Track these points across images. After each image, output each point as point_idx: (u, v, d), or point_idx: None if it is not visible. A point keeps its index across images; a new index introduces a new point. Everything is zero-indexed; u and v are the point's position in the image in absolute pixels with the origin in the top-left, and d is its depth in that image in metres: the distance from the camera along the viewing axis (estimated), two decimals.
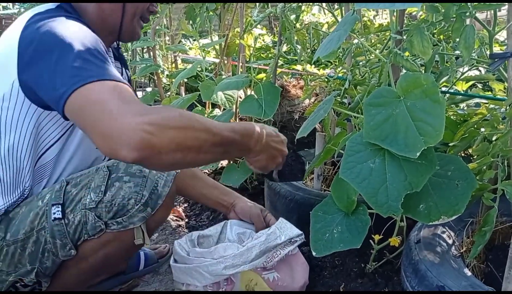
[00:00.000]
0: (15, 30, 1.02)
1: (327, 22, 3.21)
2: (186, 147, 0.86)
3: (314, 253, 1.09)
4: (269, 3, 2.50)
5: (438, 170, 0.92)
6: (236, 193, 1.49)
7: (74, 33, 0.96)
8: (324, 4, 1.99)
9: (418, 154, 0.80)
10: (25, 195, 1.15)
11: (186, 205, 2.11)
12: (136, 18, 1.21)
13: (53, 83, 0.91)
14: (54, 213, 1.09)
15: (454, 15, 1.00)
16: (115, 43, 1.30)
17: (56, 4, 1.09)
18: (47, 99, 0.96)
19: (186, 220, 1.98)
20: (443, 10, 1.03)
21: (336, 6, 1.81)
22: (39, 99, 1.01)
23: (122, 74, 1.32)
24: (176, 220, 1.95)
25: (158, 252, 1.58)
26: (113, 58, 1.27)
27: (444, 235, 1.13)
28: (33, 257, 1.12)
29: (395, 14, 1.10)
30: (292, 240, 1.26)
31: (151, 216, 1.13)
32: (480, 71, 1.63)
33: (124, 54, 3.38)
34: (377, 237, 1.24)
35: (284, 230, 1.26)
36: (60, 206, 1.09)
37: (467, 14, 0.98)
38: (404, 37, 1.10)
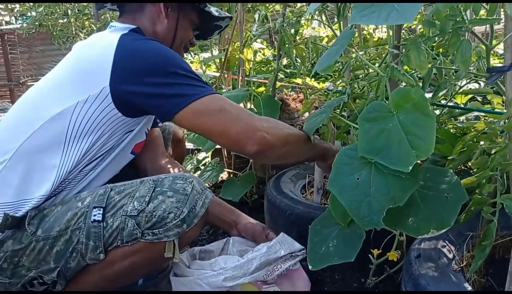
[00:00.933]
0: (106, 45, 1.17)
1: (327, 36, 3.23)
2: (289, 142, 1.22)
3: (310, 267, 1.08)
4: (269, 18, 2.52)
5: (428, 183, 0.92)
6: (238, 211, 1.51)
7: (169, 53, 1.18)
8: (323, 18, 2.01)
9: (410, 168, 0.80)
10: (58, 191, 1.20)
11: None
12: (182, 47, 1.42)
13: (165, 94, 1.12)
14: (95, 215, 1.12)
15: (451, 30, 1.00)
16: None
17: (129, 27, 1.28)
18: (151, 106, 1.15)
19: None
20: (439, 24, 1.03)
21: (335, 20, 1.82)
22: (130, 106, 1.17)
23: None
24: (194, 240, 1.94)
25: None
26: None
27: (444, 250, 1.12)
28: (60, 255, 1.13)
29: (392, 28, 1.11)
30: (294, 255, 1.25)
31: (184, 233, 1.15)
32: (479, 84, 1.64)
33: None
34: (376, 252, 1.23)
35: (285, 244, 1.26)
36: (102, 209, 1.13)
37: (464, 28, 0.98)
38: (403, 52, 1.11)
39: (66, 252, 1.13)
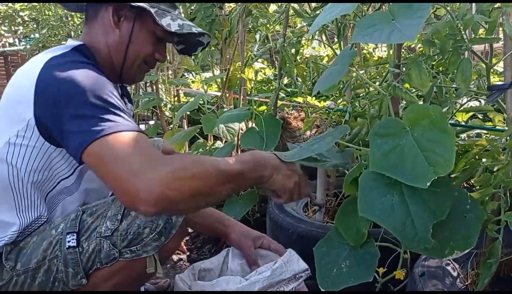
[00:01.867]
0: (31, 71, 1.05)
1: (327, 55, 3.26)
2: (200, 193, 0.96)
3: (322, 289, 1.06)
4: (270, 38, 2.55)
5: None
6: (228, 219, 1.50)
7: (91, 81, 1.01)
8: (323, 38, 2.03)
9: (428, 184, 0.79)
10: (42, 222, 1.16)
11: (187, 238, 2.10)
12: (138, 62, 1.25)
13: (71, 131, 0.97)
14: (69, 241, 1.09)
15: (450, 49, 1.01)
16: None
17: (72, 46, 1.14)
18: (63, 144, 1.03)
19: (188, 253, 1.96)
20: (439, 43, 1.05)
21: (335, 40, 1.84)
22: (54, 140, 1.06)
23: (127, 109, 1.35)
24: (177, 253, 1.93)
25: (159, 287, 1.56)
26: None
27: (449, 267, 1.11)
28: (43, 286, 1.11)
29: (392, 47, 1.12)
30: (297, 276, 1.24)
31: (163, 246, 1.13)
32: (479, 102, 1.65)
33: (128, 88, 3.43)
34: (381, 270, 1.22)
35: (291, 264, 1.24)
36: (75, 234, 1.10)
37: (463, 47, 0.99)
38: (403, 70, 1.12)
39: (48, 282, 1.11)
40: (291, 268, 1.22)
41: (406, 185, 0.86)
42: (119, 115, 0.99)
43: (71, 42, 1.18)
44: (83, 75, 1.01)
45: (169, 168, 0.92)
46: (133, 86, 3.23)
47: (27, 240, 1.14)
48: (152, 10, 1.17)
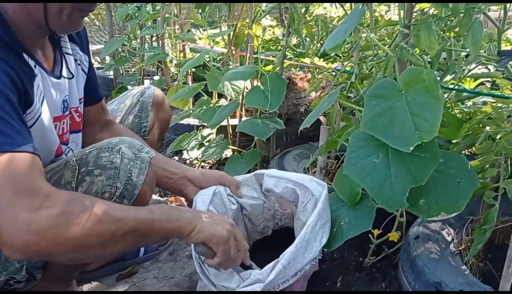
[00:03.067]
0: None
1: (338, 16, 3.19)
2: (86, 245, 0.80)
3: (325, 250, 1.08)
4: None
5: (440, 167, 0.91)
6: (185, 166, 1.35)
7: None
8: None
9: (411, 148, 0.80)
10: None
11: None
12: (66, 11, 0.99)
13: None
14: None
15: (463, 11, 0.98)
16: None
17: None
18: None
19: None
20: (451, 4, 1.02)
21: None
22: None
23: (77, 61, 1.20)
24: None
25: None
26: (68, 42, 1.17)
27: (443, 232, 1.12)
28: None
29: (403, 8, 1.09)
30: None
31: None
32: (488, 69, 1.62)
33: (133, 41, 3.38)
34: (376, 232, 1.24)
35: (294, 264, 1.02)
36: None
37: (476, 9, 0.96)
38: (413, 32, 1.09)
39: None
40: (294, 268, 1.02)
41: (393, 147, 0.87)
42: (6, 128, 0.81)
43: None
44: None
45: (50, 209, 0.76)
46: (138, 40, 3.19)
47: None
48: None
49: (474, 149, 1.25)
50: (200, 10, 2.35)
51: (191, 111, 2.16)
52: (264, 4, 1.96)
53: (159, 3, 2.70)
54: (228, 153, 2.24)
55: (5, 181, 0.76)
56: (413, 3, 1.10)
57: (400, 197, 0.85)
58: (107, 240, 0.83)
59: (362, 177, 0.89)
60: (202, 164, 2.32)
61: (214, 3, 2.22)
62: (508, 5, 1.05)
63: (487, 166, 1.04)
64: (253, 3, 2.00)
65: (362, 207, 1.08)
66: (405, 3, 1.05)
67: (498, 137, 1.07)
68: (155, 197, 2.00)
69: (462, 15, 0.99)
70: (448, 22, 1.18)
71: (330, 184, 1.24)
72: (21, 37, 0.99)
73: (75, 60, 1.20)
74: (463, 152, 1.31)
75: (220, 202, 1.24)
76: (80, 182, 1.01)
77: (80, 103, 1.22)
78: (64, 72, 1.14)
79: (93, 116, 1.33)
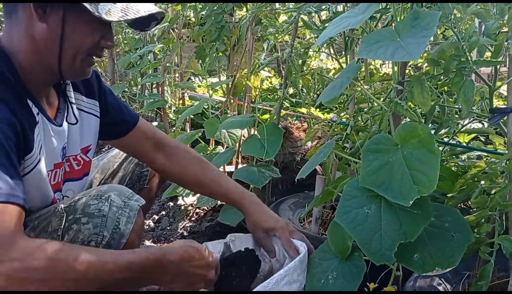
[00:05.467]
0: None
1: (334, 68, 3.27)
2: (77, 279, 0.79)
3: None
4: (278, 47, 2.57)
5: (434, 221, 0.92)
6: (246, 196, 1.34)
7: None
8: (331, 51, 2.04)
9: (411, 202, 0.80)
10: None
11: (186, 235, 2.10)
12: (80, 57, 1.03)
13: None
14: None
15: (454, 69, 1.02)
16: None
17: None
18: None
19: None
20: (443, 63, 1.06)
21: (343, 53, 1.85)
22: None
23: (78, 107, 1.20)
24: None
25: (150, 288, 1.55)
26: (71, 91, 1.18)
27: (440, 288, 1.11)
28: None
29: (397, 65, 1.13)
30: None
31: None
32: (482, 124, 1.65)
33: (133, 88, 3.45)
34: (372, 286, 1.22)
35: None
36: None
37: (467, 69, 1.00)
38: (407, 87, 1.12)
39: None
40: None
41: (386, 200, 0.88)
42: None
43: None
44: None
45: (15, 265, 0.75)
46: (138, 86, 3.25)
47: None
48: None
49: (469, 203, 1.25)
50: (200, 61, 2.41)
51: None
52: (262, 56, 2.02)
53: (161, 53, 2.78)
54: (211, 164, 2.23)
55: None
56: (406, 61, 1.14)
57: (388, 251, 0.85)
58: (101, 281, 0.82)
59: (353, 226, 0.90)
60: (197, 210, 2.30)
61: (214, 54, 2.28)
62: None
63: (483, 221, 1.04)
64: (252, 56, 2.06)
65: (352, 265, 1.07)
66: (399, 61, 1.09)
67: (492, 192, 1.08)
68: (148, 243, 1.98)
69: (453, 73, 1.03)
70: (442, 77, 1.22)
71: (325, 234, 1.24)
72: (28, 83, 1.01)
73: (79, 109, 1.20)
74: (460, 205, 1.32)
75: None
76: (67, 230, 1.00)
77: (88, 150, 1.23)
78: (67, 119, 1.15)
79: (136, 144, 1.32)
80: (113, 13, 0.97)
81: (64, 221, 1.00)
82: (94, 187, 1.08)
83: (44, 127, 1.05)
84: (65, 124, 1.14)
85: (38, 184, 1.03)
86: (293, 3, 1.80)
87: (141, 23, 1.12)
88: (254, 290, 1.12)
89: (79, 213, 1.01)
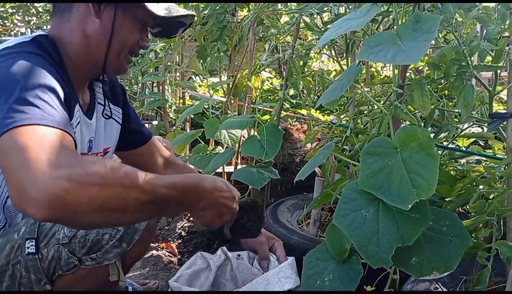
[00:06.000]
0: None
1: (335, 70, 3.28)
2: (109, 207, 0.78)
3: None
4: (280, 48, 2.57)
5: (432, 225, 0.92)
6: None
7: (27, 72, 0.91)
8: (332, 53, 2.04)
9: (410, 206, 0.80)
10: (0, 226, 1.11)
11: (180, 241, 2.10)
12: (123, 53, 1.14)
13: None
14: (28, 248, 1.05)
15: (455, 74, 1.02)
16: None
17: (33, 36, 1.06)
18: None
19: (179, 256, 1.96)
20: (444, 67, 1.06)
21: (344, 55, 1.85)
22: None
23: (104, 110, 1.26)
24: (168, 256, 1.93)
25: (147, 288, 1.56)
26: (101, 93, 1.26)
27: (437, 292, 1.11)
28: (11, 289, 1.08)
29: (398, 68, 1.13)
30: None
31: (127, 252, 1.10)
32: (482, 128, 1.65)
33: (134, 86, 3.45)
34: (369, 289, 1.22)
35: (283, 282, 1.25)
36: (34, 240, 1.05)
37: (467, 73, 1.00)
38: (407, 91, 1.13)
39: (14, 286, 1.07)
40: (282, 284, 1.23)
41: (384, 203, 0.88)
42: (42, 109, 0.85)
43: (38, 32, 1.09)
44: (21, 66, 0.92)
45: (76, 169, 0.75)
46: (139, 85, 3.25)
47: None
48: None
49: (468, 207, 1.25)
50: (201, 61, 2.41)
51: (188, 157, 2.17)
52: (263, 57, 2.02)
53: (162, 52, 2.78)
54: None
55: (40, 144, 0.77)
56: (407, 64, 1.14)
57: (385, 254, 0.85)
58: (129, 205, 0.80)
59: (351, 229, 0.90)
60: None
61: (215, 54, 2.28)
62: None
63: (480, 225, 1.04)
64: (253, 56, 2.06)
65: (349, 268, 1.07)
66: (399, 64, 1.09)
67: (491, 197, 1.08)
68: None
69: (454, 77, 1.03)
70: (442, 81, 1.22)
71: (323, 237, 1.24)
72: (71, 74, 1.08)
73: (104, 112, 1.27)
74: (458, 209, 1.32)
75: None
76: None
77: (107, 152, 1.29)
78: (96, 117, 1.22)
79: (149, 156, 1.39)
80: (159, 10, 1.10)
81: None
82: None
83: (80, 114, 1.12)
84: (94, 119, 1.21)
85: None
86: (295, 4, 1.80)
87: (169, 31, 1.27)
88: (253, 281, 1.22)
89: None
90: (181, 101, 3.08)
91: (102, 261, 1.07)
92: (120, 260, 1.09)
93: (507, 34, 1.06)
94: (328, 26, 1.57)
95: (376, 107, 1.37)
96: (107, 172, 0.79)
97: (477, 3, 1.07)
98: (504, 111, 1.07)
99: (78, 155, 0.82)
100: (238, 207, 1.08)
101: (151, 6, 1.08)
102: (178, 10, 1.16)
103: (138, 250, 1.13)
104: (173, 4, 1.15)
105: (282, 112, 2.00)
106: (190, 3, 2.34)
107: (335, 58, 1.95)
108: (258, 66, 2.08)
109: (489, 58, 1.15)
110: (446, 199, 1.16)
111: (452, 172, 1.46)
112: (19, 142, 0.77)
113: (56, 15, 1.11)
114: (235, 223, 1.13)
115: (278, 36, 2.21)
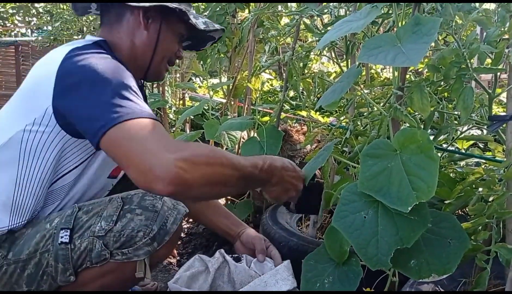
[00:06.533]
0: (52, 61, 1.09)
1: (335, 72, 3.28)
2: (214, 182, 0.98)
3: None
4: (280, 50, 2.57)
5: (431, 227, 0.91)
6: (244, 224, 1.53)
7: (113, 70, 1.05)
8: (332, 54, 2.05)
9: (409, 208, 0.80)
10: (34, 216, 1.17)
11: (179, 242, 2.09)
12: (165, 60, 1.30)
13: (91, 116, 1.00)
14: (62, 237, 1.10)
15: (454, 76, 1.02)
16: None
17: (93, 40, 1.18)
18: (81, 129, 1.05)
19: (178, 258, 1.96)
20: (443, 69, 1.06)
21: (344, 57, 1.86)
22: (71, 127, 1.08)
23: None
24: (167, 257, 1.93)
25: (146, 289, 1.56)
26: None
27: None
28: (32, 279, 1.12)
29: (397, 70, 1.13)
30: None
31: (155, 252, 1.13)
32: (481, 130, 1.65)
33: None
34: (368, 290, 1.22)
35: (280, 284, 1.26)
36: (68, 230, 1.11)
37: (467, 75, 1.00)
38: (407, 93, 1.13)
39: (37, 275, 1.11)
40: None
41: (383, 205, 0.88)
42: (136, 103, 1.01)
43: (91, 38, 1.22)
44: (105, 64, 1.05)
45: (186, 152, 0.95)
46: None
47: (22, 231, 1.15)
48: (177, 10, 1.23)
49: (467, 210, 1.25)
50: (201, 62, 2.41)
51: None
52: (264, 59, 2.02)
53: None
54: (221, 201, 2.23)
55: (152, 134, 0.96)
56: (407, 67, 1.14)
57: (384, 256, 0.85)
58: (227, 180, 1.00)
59: (350, 231, 0.90)
60: None
61: (215, 55, 2.28)
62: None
63: (480, 228, 1.04)
64: (253, 58, 2.06)
65: (348, 270, 1.07)
66: (399, 67, 1.09)
67: (490, 199, 1.08)
68: None
69: (453, 80, 1.03)
70: (441, 84, 1.22)
71: (323, 239, 1.24)
72: None
73: None
74: (458, 212, 1.32)
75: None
76: (121, 217, 1.10)
77: None
78: None
79: None
80: (199, 24, 1.28)
81: (120, 209, 1.11)
82: None
83: None
84: None
85: (104, 161, 1.21)
86: (295, 6, 1.80)
87: (199, 44, 1.46)
88: (250, 284, 1.24)
89: (134, 204, 1.12)
90: (181, 102, 3.09)
91: (132, 257, 1.11)
92: (148, 258, 1.13)
93: (507, 36, 1.07)
94: (328, 28, 1.57)
95: (375, 109, 1.37)
96: (209, 154, 0.99)
97: (477, 6, 1.07)
98: (504, 114, 1.07)
99: (180, 141, 1.08)
100: (302, 185, 1.20)
101: (194, 20, 1.26)
102: (214, 25, 1.34)
103: (165, 251, 1.17)
104: (206, 19, 1.32)
105: (282, 113, 2.00)
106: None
107: (335, 60, 1.95)
108: (258, 68, 2.08)
109: (488, 60, 1.15)
110: (446, 202, 1.16)
111: (451, 175, 1.46)
112: (133, 134, 0.95)
113: (105, 26, 1.26)
114: (299, 200, 1.23)
115: (278, 37, 2.21)
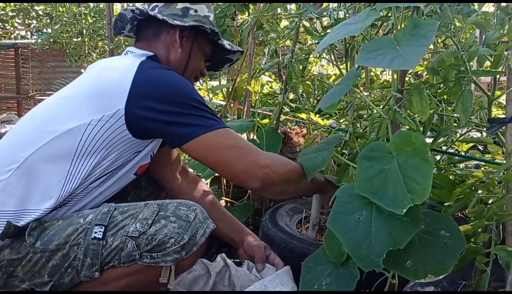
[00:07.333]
0: (124, 69, 1.23)
1: (334, 74, 3.28)
2: (290, 180, 1.31)
3: None
4: (279, 52, 2.58)
5: (427, 228, 0.92)
6: (248, 231, 1.57)
7: (189, 86, 1.26)
8: (332, 57, 2.05)
9: (404, 210, 0.81)
10: (64, 203, 1.22)
11: None
12: (193, 76, 1.46)
13: (180, 124, 1.19)
14: (96, 232, 1.13)
15: (453, 79, 1.02)
16: None
17: (147, 54, 1.32)
18: (162, 132, 1.23)
19: None
20: (442, 72, 1.06)
21: (343, 60, 1.86)
22: (141, 127, 1.21)
23: None
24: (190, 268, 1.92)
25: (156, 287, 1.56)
26: None
27: None
28: (55, 270, 1.13)
29: (396, 73, 1.13)
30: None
31: (181, 260, 1.15)
32: (481, 133, 1.65)
33: None
34: (368, 291, 1.22)
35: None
36: (103, 227, 1.13)
37: (466, 78, 1.00)
38: (406, 95, 1.13)
39: (61, 267, 1.13)
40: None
41: (378, 207, 0.88)
42: (215, 115, 1.24)
43: (141, 51, 1.34)
44: (181, 80, 1.26)
45: (269, 157, 1.30)
46: None
47: (53, 222, 1.18)
48: (209, 31, 1.40)
49: (467, 212, 1.25)
50: None
51: (187, 161, 2.17)
52: (263, 61, 2.02)
53: None
54: (221, 204, 2.23)
55: (239, 142, 1.28)
56: (406, 69, 1.14)
57: (377, 258, 0.86)
58: (296, 185, 1.34)
59: (344, 232, 0.91)
60: None
61: None
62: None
63: (479, 230, 1.04)
64: (252, 60, 2.06)
65: (346, 272, 1.07)
66: (397, 69, 1.09)
67: (489, 202, 1.08)
68: None
69: (453, 82, 1.03)
70: (441, 86, 1.22)
71: (322, 241, 1.24)
72: None
73: None
74: (458, 214, 1.32)
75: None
76: (155, 222, 1.14)
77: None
78: None
79: (172, 159, 1.60)
80: (226, 44, 1.48)
81: (156, 214, 1.15)
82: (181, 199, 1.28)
83: None
84: None
85: (140, 159, 1.31)
86: (294, 9, 1.80)
87: (218, 65, 1.63)
88: (250, 287, 1.26)
89: (170, 212, 1.16)
90: None
91: (160, 261, 1.13)
92: (175, 265, 1.16)
93: (506, 39, 1.07)
94: (328, 31, 1.58)
95: (375, 111, 1.37)
96: (285, 161, 1.36)
97: (476, 8, 1.07)
98: (503, 116, 1.07)
99: (256, 147, 1.32)
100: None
101: (223, 42, 1.46)
102: (236, 47, 1.53)
103: (190, 261, 1.20)
104: (229, 42, 1.50)
105: (282, 116, 2.00)
106: None
107: (334, 63, 1.95)
108: (257, 70, 2.09)
109: (488, 63, 1.15)
110: (445, 204, 1.16)
111: (451, 177, 1.46)
112: (224, 142, 1.23)
113: (142, 41, 1.41)
114: None
115: (278, 40, 2.21)
